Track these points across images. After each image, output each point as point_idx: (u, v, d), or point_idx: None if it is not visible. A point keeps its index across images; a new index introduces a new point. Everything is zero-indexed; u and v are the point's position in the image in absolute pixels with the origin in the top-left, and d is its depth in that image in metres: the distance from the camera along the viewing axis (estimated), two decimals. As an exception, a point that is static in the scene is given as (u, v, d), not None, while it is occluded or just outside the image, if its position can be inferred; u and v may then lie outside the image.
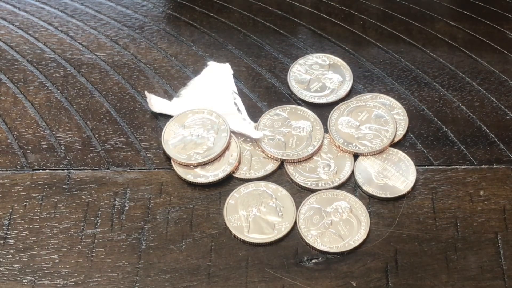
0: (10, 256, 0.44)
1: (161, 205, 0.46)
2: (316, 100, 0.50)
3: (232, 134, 0.48)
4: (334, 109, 0.49)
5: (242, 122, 0.48)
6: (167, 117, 0.50)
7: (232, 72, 0.51)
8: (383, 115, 0.49)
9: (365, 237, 0.45)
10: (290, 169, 0.47)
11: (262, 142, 0.48)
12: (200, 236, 0.45)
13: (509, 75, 0.51)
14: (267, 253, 0.44)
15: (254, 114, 0.50)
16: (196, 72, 0.52)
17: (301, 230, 0.45)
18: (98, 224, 0.45)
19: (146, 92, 0.50)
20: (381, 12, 0.55)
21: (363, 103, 0.50)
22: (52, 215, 0.46)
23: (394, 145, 0.48)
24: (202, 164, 0.47)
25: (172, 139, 0.48)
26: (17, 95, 0.51)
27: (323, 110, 0.50)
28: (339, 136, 0.48)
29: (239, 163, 0.47)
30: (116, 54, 0.53)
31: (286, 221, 0.45)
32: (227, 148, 0.47)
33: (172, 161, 0.47)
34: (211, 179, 0.47)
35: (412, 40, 0.53)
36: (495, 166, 0.47)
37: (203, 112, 0.49)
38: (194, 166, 0.47)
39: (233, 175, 0.47)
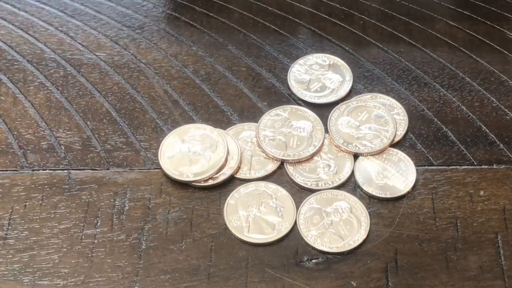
0: (10, 256, 0.44)
1: (161, 205, 0.46)
2: (316, 100, 0.50)
3: (233, 138, 0.48)
4: (334, 109, 0.49)
5: None
6: (167, 118, 0.50)
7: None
8: (383, 115, 0.49)
9: (365, 237, 0.45)
10: (290, 169, 0.47)
11: (263, 143, 0.48)
12: (200, 236, 0.45)
13: (509, 75, 0.52)
14: (267, 253, 0.44)
15: (254, 114, 0.50)
16: (196, 72, 0.52)
17: (301, 230, 0.45)
18: (98, 224, 0.45)
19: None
20: (381, 12, 0.55)
21: (363, 103, 0.50)
22: (52, 215, 0.46)
23: (394, 145, 0.48)
24: (193, 182, 0.47)
25: (168, 151, 0.48)
26: (17, 95, 0.51)
27: (323, 110, 0.50)
28: (339, 136, 0.48)
29: (239, 167, 0.47)
30: (116, 54, 0.53)
31: (286, 221, 0.45)
32: (221, 169, 0.47)
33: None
34: (211, 182, 0.47)
35: (412, 40, 0.53)
36: (495, 166, 0.47)
37: (204, 129, 0.49)
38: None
39: (233, 175, 0.47)
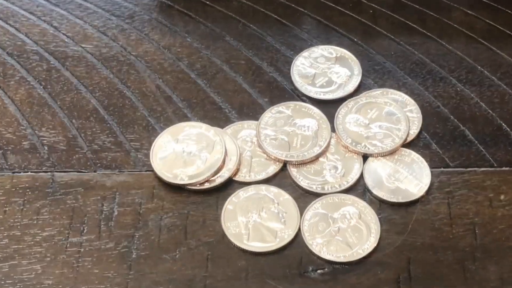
0: (-11, 266, 0.44)
1: (153, 210, 0.46)
2: (321, 96, 0.50)
3: (231, 137, 0.48)
4: (341, 106, 0.49)
5: None
6: (160, 115, 0.50)
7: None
8: (395, 113, 0.49)
9: (375, 245, 0.45)
10: (293, 171, 0.47)
11: (264, 142, 0.48)
12: (195, 245, 0.45)
13: (532, 68, 0.52)
14: (268, 263, 0.44)
15: (255, 111, 0.50)
16: (191, 65, 0.52)
17: (305, 238, 0.45)
18: (85, 232, 0.45)
19: None
20: (392, 0, 0.55)
21: (373, 100, 0.50)
22: (35, 222, 0.46)
23: (406, 145, 0.48)
24: (188, 186, 0.47)
25: (161, 152, 0.48)
26: (-4, 90, 0.51)
27: (329, 107, 0.50)
28: (347, 135, 0.48)
29: (238, 169, 0.47)
30: (104, 46, 0.53)
31: (289, 228, 0.45)
32: (218, 171, 0.47)
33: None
34: (207, 185, 0.47)
35: (426, 30, 0.53)
36: (516, 168, 0.48)
37: (200, 127, 0.48)
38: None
39: (231, 178, 0.47)
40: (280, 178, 0.48)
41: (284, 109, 0.50)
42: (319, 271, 0.44)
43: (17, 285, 0.44)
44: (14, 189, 0.47)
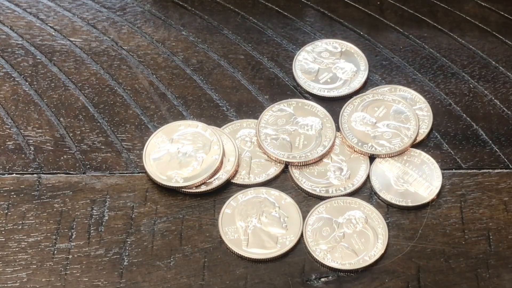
0: (-29, 274, 0.45)
1: (146, 215, 0.46)
2: (326, 93, 0.50)
3: (229, 137, 0.48)
4: (346, 104, 0.49)
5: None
6: (153, 114, 0.50)
7: None
8: (404, 111, 0.49)
9: (382, 252, 0.45)
10: (295, 173, 0.47)
11: (264, 142, 0.48)
12: (191, 251, 0.45)
13: (550, 64, 0.52)
14: (269, 271, 0.45)
15: (254, 109, 0.50)
16: (187, 60, 0.52)
17: (308, 244, 0.45)
18: (73, 237, 0.45)
19: None
20: (401, -9, 0.55)
21: (381, 97, 0.50)
22: (20, 227, 0.46)
23: (416, 145, 0.48)
24: (184, 188, 0.47)
25: (155, 153, 0.48)
26: (-22, 87, 0.51)
27: (334, 105, 0.50)
28: (353, 135, 0.48)
29: (236, 170, 0.47)
30: (93, 39, 0.53)
31: (291, 233, 0.45)
32: (215, 173, 0.47)
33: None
34: (203, 188, 0.47)
35: (437, 23, 0.54)
36: (533, 170, 0.48)
37: (196, 126, 0.49)
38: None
39: (229, 180, 0.47)
40: (282, 180, 0.48)
41: (286, 107, 0.50)
42: (322, 279, 0.44)
43: (1, 294, 0.44)
44: (-2, 192, 0.47)
